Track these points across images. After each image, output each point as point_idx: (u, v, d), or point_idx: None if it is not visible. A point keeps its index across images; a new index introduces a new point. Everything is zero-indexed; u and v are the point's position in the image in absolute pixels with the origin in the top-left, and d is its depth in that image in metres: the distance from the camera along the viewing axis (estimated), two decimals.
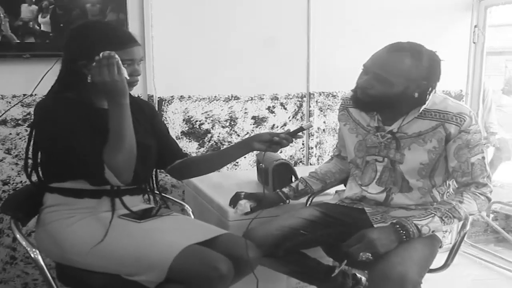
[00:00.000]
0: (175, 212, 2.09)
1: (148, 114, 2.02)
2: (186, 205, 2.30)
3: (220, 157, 2.11)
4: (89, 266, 1.78)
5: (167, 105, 2.99)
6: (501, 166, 6.22)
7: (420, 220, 1.86)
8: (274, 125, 3.26)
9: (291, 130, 1.98)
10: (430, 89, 1.97)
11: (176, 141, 2.19)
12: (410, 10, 3.45)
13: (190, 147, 3.09)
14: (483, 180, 1.95)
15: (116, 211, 1.88)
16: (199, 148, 3.11)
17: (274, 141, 1.94)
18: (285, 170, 2.48)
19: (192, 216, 2.25)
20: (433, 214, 1.88)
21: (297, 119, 3.32)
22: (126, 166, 1.74)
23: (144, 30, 2.84)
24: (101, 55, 1.65)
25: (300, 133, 1.98)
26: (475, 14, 3.66)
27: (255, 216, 2.09)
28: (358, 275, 2.34)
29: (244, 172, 3.09)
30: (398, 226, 1.85)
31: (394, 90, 1.92)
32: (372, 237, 1.82)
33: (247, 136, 3.19)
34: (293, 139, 1.98)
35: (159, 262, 1.68)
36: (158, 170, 2.16)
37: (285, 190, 2.28)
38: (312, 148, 3.37)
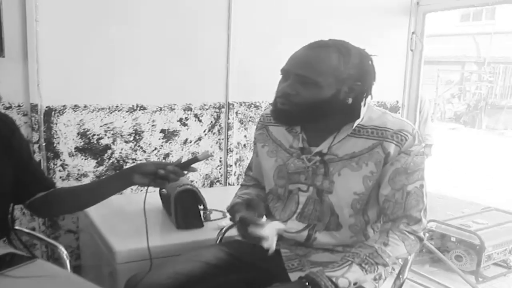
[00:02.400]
0: (41, 258, 1.63)
1: (3, 133, 1.55)
2: (60, 246, 1.83)
3: (92, 191, 1.69)
4: None
5: (57, 116, 2.53)
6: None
7: (335, 271, 1.48)
8: (187, 139, 2.86)
9: (183, 161, 1.61)
10: (365, 94, 1.60)
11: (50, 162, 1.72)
12: (342, 14, 3.17)
13: (86, 166, 2.64)
14: (417, 214, 1.59)
15: None
16: (98, 167, 2.66)
17: (159, 175, 1.55)
18: (190, 198, 2.08)
19: (67, 261, 1.78)
20: (350, 262, 1.50)
21: (214, 133, 2.93)
22: None
23: (26, 23, 2.38)
24: None
25: (193, 166, 1.60)
26: (413, 20, 3.45)
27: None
28: None
29: (150, 196, 2.64)
30: (306, 281, 1.45)
31: (323, 94, 1.53)
32: None
33: (154, 152, 2.76)
34: (185, 172, 1.60)
35: None
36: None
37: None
38: (231, 165, 3.00)
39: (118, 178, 1.65)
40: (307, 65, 1.54)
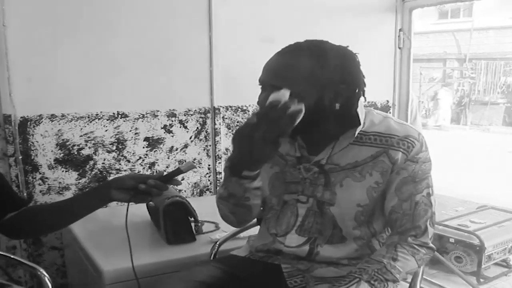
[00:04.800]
0: (22, 282, 1.48)
1: None
2: (41, 269, 1.66)
3: (67, 211, 1.53)
4: None
5: (34, 126, 2.39)
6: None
7: None
8: (173, 147, 2.72)
9: (166, 173, 1.49)
10: (356, 95, 1.46)
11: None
12: (326, 14, 3.06)
13: (67, 178, 2.49)
14: (425, 224, 1.47)
15: None
16: (80, 179, 2.51)
17: (140, 189, 1.42)
18: (180, 211, 1.95)
19: (49, 285, 1.63)
20: (358, 279, 1.37)
21: (201, 139, 2.79)
22: None
23: None
24: None
25: (177, 178, 1.47)
26: (399, 17, 3.34)
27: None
28: None
29: (137, 208, 2.50)
30: None
31: (304, 103, 1.34)
32: None
33: (139, 162, 2.61)
34: (168, 185, 1.47)
35: None
36: None
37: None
38: (220, 173, 2.85)
39: (94, 195, 1.51)
40: (278, 74, 1.41)
